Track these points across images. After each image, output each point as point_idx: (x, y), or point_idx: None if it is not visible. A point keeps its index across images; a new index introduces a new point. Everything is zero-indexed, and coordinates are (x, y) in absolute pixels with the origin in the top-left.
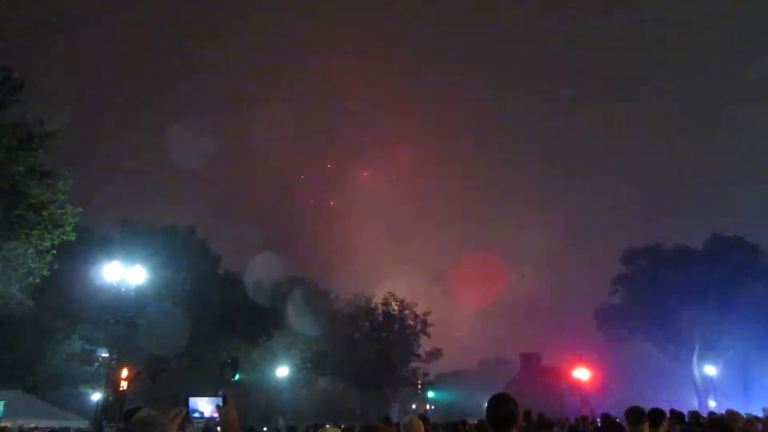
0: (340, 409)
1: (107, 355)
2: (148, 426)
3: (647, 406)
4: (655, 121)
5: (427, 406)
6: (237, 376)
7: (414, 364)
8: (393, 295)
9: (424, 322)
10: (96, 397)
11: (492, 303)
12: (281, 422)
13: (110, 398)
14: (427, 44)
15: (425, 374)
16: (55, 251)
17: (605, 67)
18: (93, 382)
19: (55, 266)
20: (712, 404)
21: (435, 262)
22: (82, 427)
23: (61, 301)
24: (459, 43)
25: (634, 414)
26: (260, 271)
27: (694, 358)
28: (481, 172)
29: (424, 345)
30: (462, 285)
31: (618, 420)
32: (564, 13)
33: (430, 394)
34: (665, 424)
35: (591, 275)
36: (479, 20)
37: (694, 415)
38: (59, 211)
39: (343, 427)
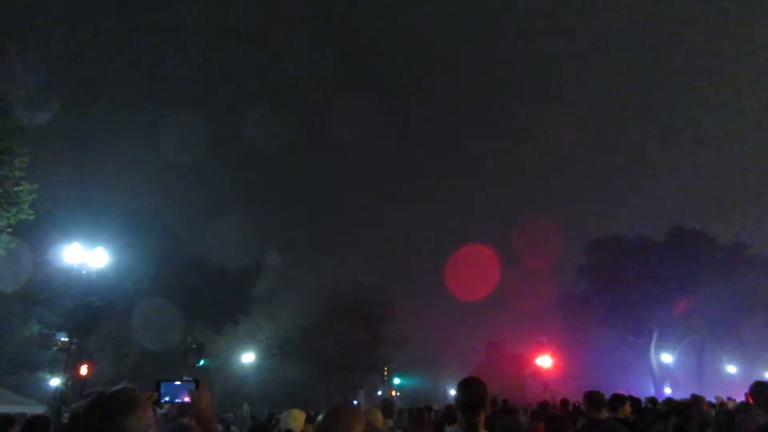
0: (307, 395)
1: (66, 339)
2: (129, 402)
3: (607, 393)
4: (615, 115)
5: (393, 393)
6: (202, 362)
7: (380, 351)
8: (360, 282)
9: (391, 309)
10: (54, 382)
11: (459, 290)
12: (246, 408)
13: (69, 383)
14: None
15: (391, 361)
16: (11, 230)
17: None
18: (51, 367)
19: (12, 245)
20: (667, 391)
21: (401, 248)
22: (40, 412)
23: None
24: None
25: (592, 398)
26: (227, 255)
27: (651, 346)
28: (444, 154)
29: (391, 332)
30: (428, 272)
31: (577, 404)
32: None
33: (396, 380)
34: (625, 408)
35: (557, 264)
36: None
37: (651, 400)
38: (15, 189)
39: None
